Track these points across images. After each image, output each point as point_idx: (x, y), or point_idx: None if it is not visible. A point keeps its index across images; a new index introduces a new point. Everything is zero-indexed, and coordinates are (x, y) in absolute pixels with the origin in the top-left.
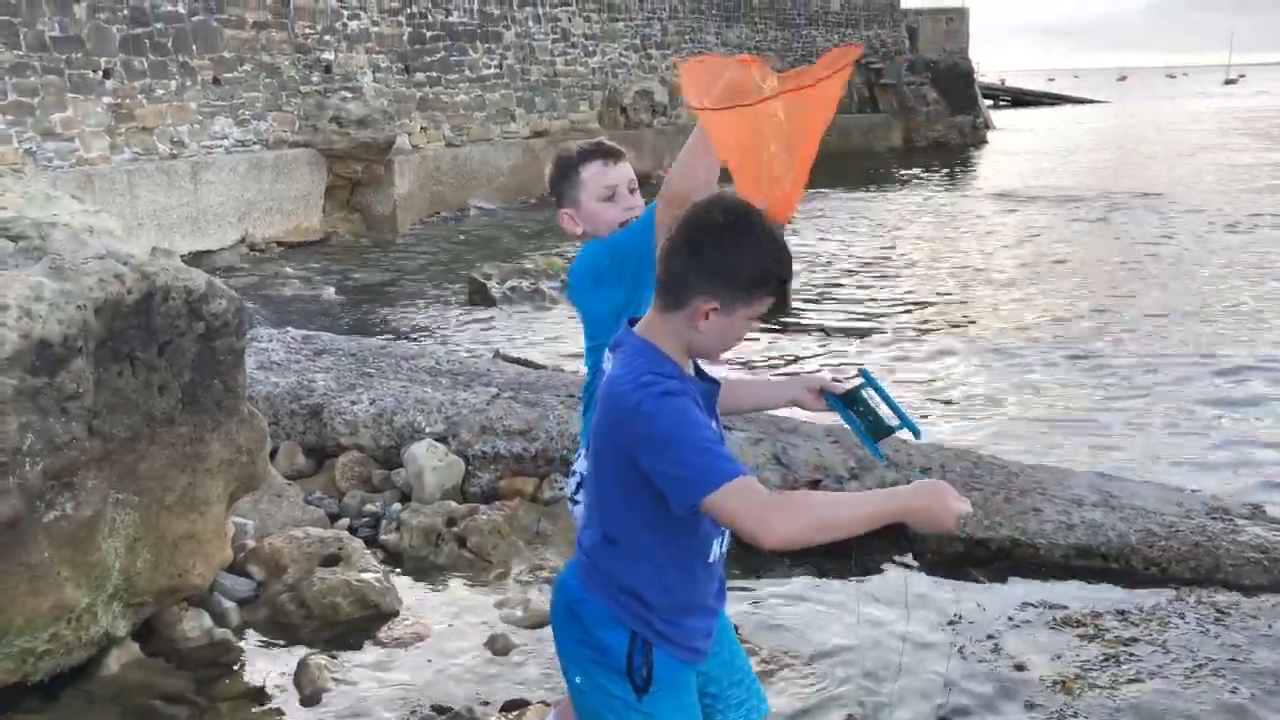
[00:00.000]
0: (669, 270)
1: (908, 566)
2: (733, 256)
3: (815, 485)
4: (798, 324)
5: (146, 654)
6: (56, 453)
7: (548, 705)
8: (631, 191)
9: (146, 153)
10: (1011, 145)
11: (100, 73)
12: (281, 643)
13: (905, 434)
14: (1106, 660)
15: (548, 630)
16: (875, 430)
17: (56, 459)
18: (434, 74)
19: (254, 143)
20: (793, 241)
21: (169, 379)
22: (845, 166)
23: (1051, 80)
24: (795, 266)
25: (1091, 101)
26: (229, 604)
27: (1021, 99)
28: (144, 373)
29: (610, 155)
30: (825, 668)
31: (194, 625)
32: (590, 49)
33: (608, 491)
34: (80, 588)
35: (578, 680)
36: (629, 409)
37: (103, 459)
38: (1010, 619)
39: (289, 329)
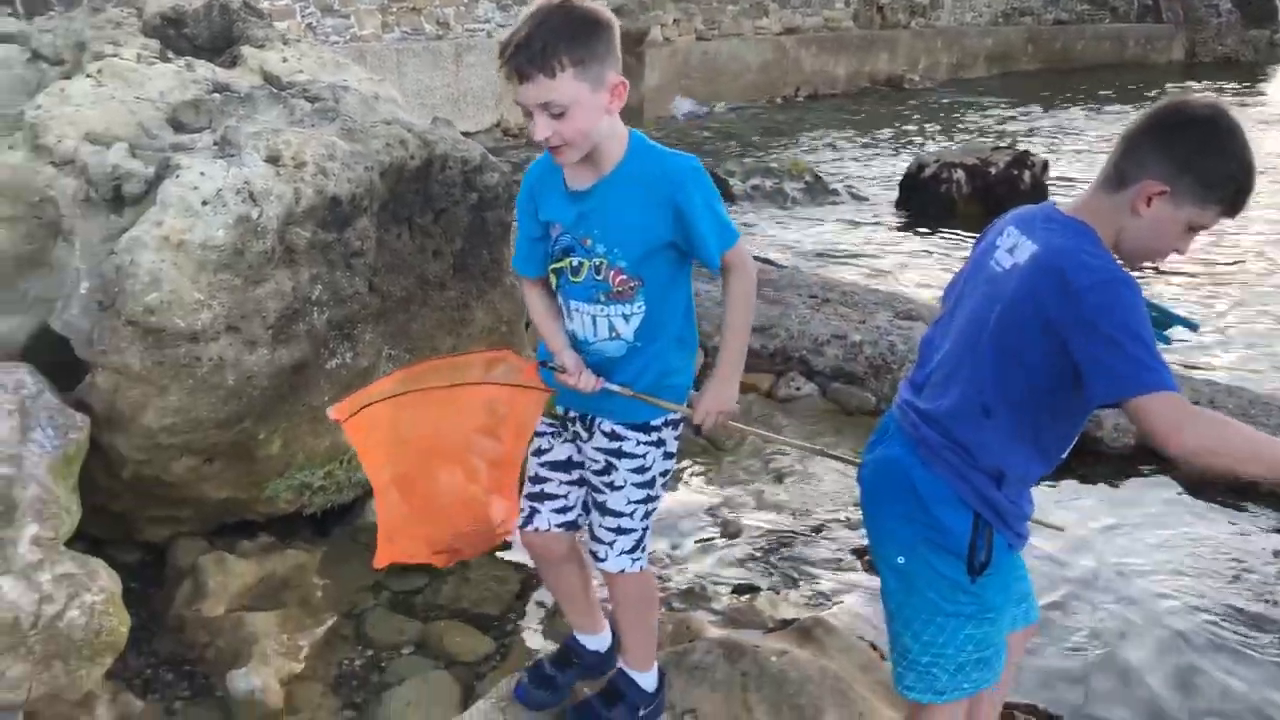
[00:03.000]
0: (1128, 147)
1: None
2: (1204, 148)
3: None
4: None
5: None
6: (341, 305)
7: (777, 593)
8: (557, 116)
9: (414, 32)
10: None
11: None
12: None
13: (1182, 331)
14: None
15: (778, 518)
16: (1158, 323)
17: (340, 310)
18: None
19: None
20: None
21: (442, 245)
22: (1114, 79)
23: None
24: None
25: None
26: None
27: None
28: (420, 237)
29: (515, 70)
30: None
31: None
32: None
33: (1004, 362)
34: None
35: (900, 560)
36: (1078, 287)
37: (379, 315)
38: None
39: None
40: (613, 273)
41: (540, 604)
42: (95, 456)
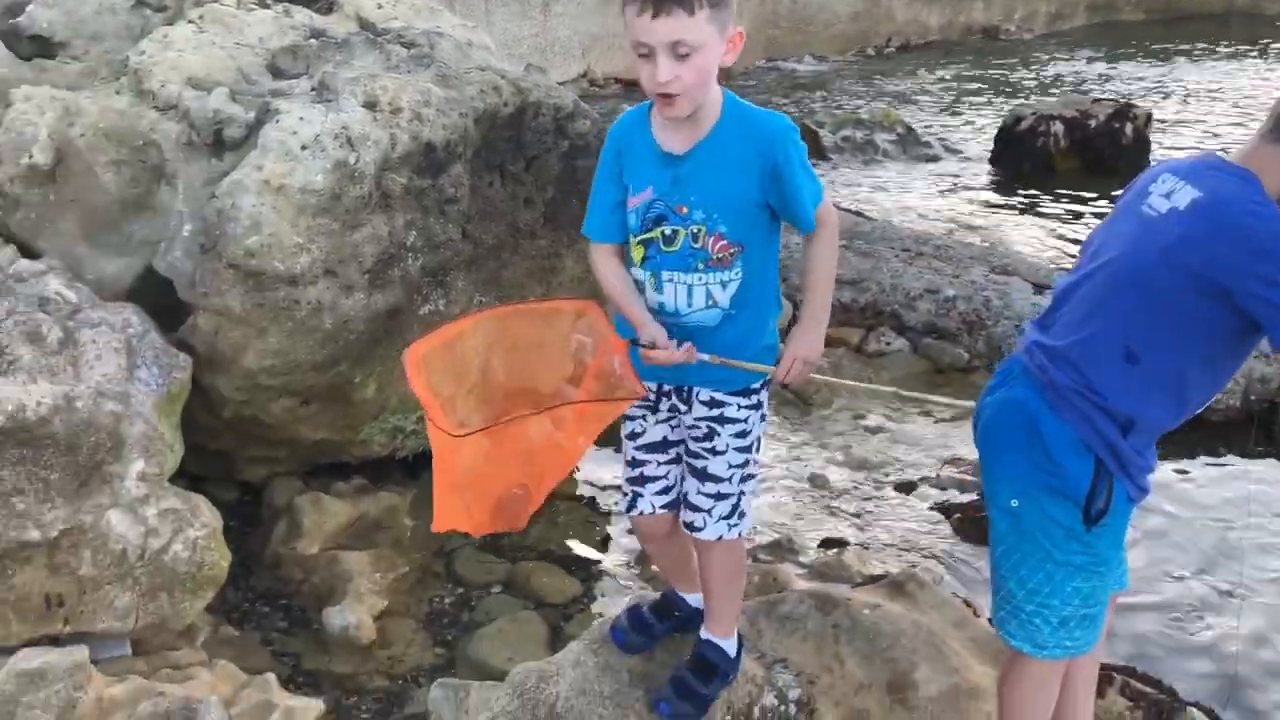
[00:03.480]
0: None
1: None
2: None
3: None
4: None
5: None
6: (434, 251)
7: (865, 547)
8: (682, 57)
9: None
10: None
11: None
12: None
13: None
14: None
15: (867, 473)
16: None
17: (434, 257)
18: None
19: None
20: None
21: (534, 193)
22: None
23: None
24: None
25: None
26: None
27: None
28: (512, 185)
29: (653, 2)
30: None
31: None
32: None
33: (1154, 307)
34: None
35: (1013, 503)
36: (1250, 234)
37: (471, 262)
38: None
39: None
40: (712, 239)
41: (628, 550)
42: (197, 396)
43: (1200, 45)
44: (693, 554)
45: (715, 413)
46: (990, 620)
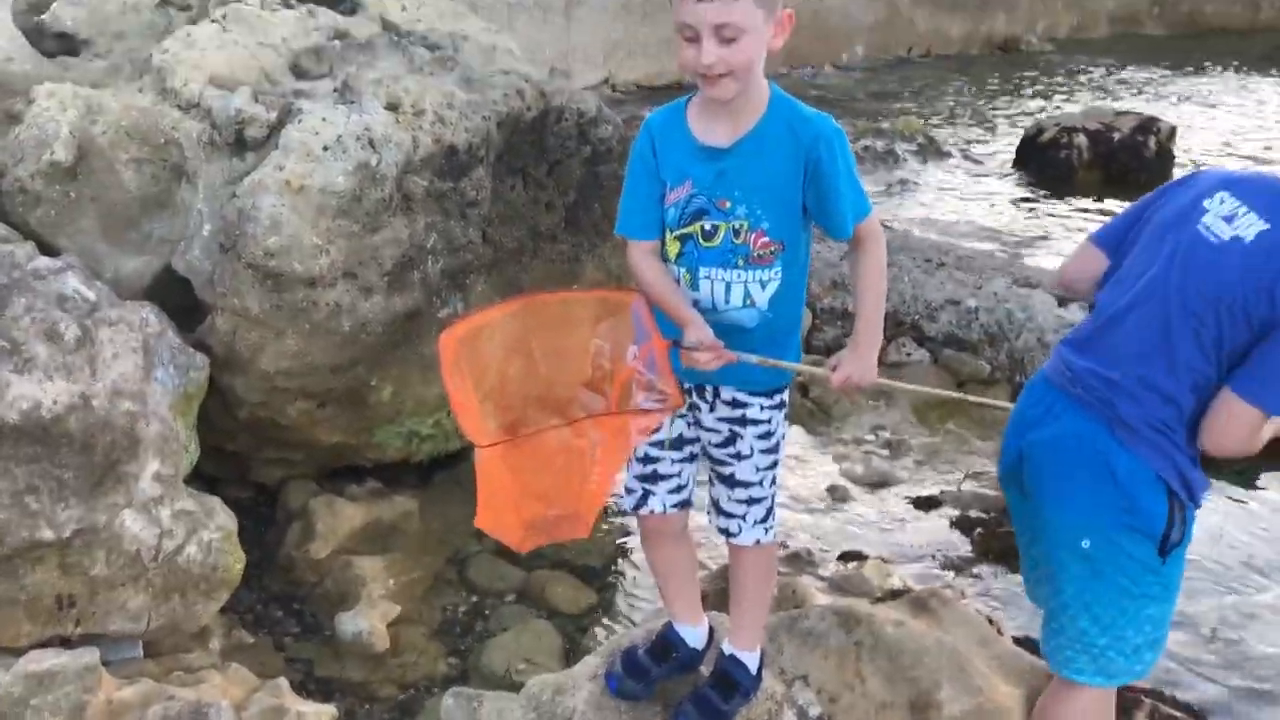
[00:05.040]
0: None
1: None
2: None
3: None
4: None
5: None
6: (454, 254)
7: (885, 561)
8: (728, 41)
9: None
10: None
11: None
12: None
13: None
14: None
15: (888, 487)
16: None
17: (454, 260)
18: None
19: None
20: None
21: (555, 197)
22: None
23: None
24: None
25: None
26: None
27: None
28: (534, 189)
29: None
30: None
31: None
32: None
33: (1216, 342)
34: None
35: (1085, 544)
36: None
37: (491, 265)
38: None
39: None
40: (754, 235)
41: (645, 561)
42: (213, 397)
43: (1223, 60)
44: (695, 569)
45: (738, 413)
46: (1042, 652)
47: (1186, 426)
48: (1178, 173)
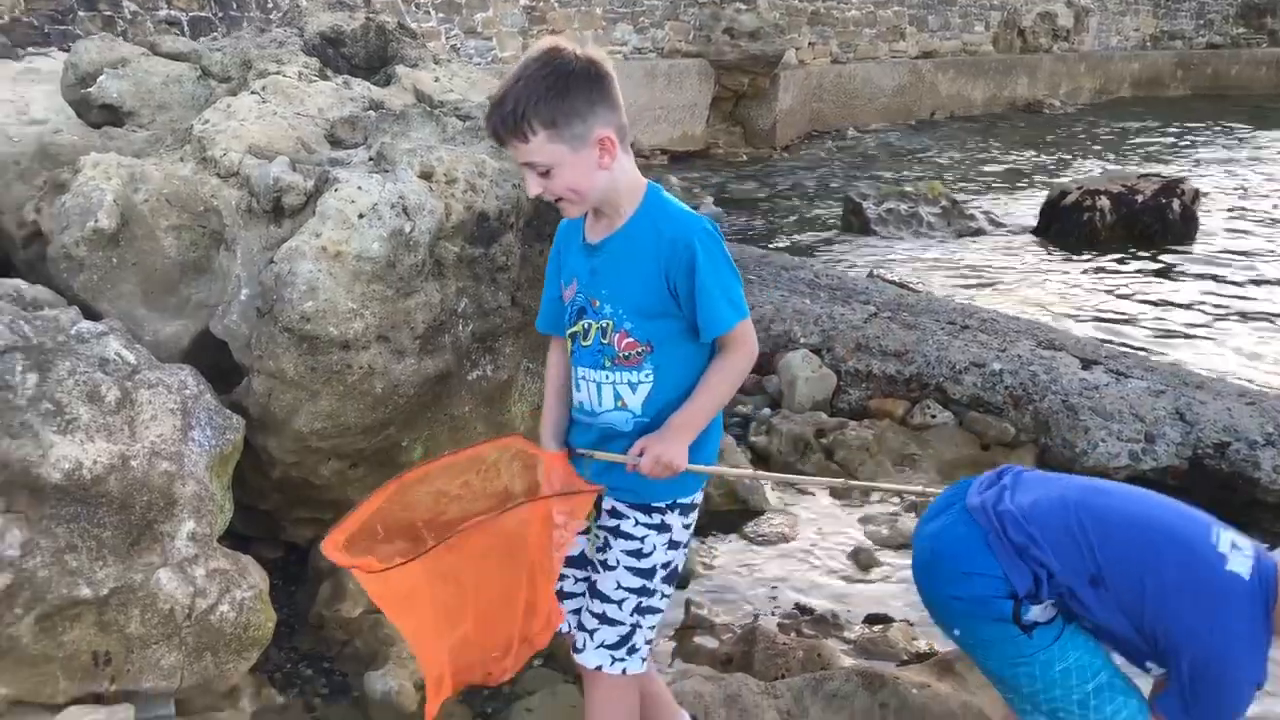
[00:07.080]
0: None
1: None
2: None
3: (1223, 450)
4: None
5: None
6: (484, 318)
7: (911, 624)
8: (544, 174)
9: None
10: None
11: None
12: None
13: None
14: None
15: (910, 551)
16: None
17: (484, 323)
18: None
19: (650, 50)
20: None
21: None
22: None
23: None
24: None
25: None
26: None
27: None
28: None
29: (491, 133)
30: None
31: None
32: None
33: None
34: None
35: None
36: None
37: (519, 329)
38: None
39: None
40: (618, 336)
41: (669, 625)
42: (247, 457)
43: (1246, 123)
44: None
45: (613, 523)
46: None
47: None
48: (1201, 235)
